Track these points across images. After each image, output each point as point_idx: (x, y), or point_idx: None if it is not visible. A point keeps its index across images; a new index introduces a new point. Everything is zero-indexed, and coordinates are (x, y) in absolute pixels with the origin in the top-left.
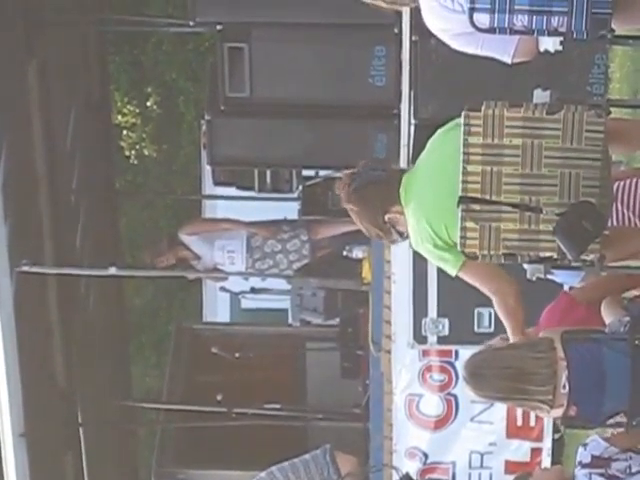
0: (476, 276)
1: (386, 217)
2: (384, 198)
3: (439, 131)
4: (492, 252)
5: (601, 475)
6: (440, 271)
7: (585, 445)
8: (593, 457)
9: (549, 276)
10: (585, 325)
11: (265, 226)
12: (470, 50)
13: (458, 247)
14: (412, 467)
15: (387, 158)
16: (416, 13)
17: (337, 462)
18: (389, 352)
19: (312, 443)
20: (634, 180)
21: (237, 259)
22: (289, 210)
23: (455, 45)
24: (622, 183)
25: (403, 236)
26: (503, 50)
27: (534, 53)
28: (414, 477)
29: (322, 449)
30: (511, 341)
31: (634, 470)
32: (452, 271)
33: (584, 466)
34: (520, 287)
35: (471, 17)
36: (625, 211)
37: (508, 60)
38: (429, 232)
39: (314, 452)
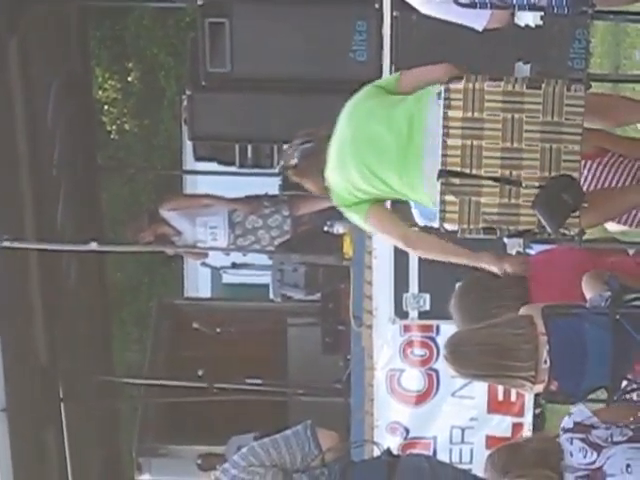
0: (380, 224)
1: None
2: (320, 167)
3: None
4: (472, 226)
5: (582, 440)
6: None
7: (570, 414)
8: (575, 423)
9: (528, 250)
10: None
11: (246, 202)
12: (439, 15)
13: (437, 221)
14: (393, 442)
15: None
16: None
17: (318, 437)
18: (370, 327)
19: (293, 418)
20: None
21: (219, 235)
22: (270, 185)
23: (424, 10)
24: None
25: None
26: (475, 17)
27: (506, 20)
28: (395, 452)
29: (303, 425)
30: (473, 263)
31: (615, 439)
32: (361, 222)
33: (566, 431)
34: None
35: None
36: None
37: (479, 28)
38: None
39: (295, 428)
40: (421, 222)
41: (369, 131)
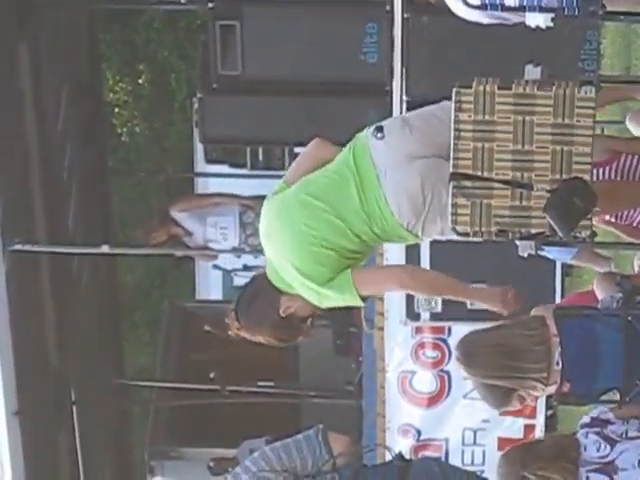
0: (368, 280)
1: (282, 314)
2: (268, 302)
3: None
4: (483, 228)
5: (597, 434)
6: (433, 248)
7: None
8: (592, 419)
9: (540, 252)
10: None
11: (257, 200)
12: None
13: (449, 224)
14: (405, 444)
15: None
16: None
17: (330, 442)
18: (382, 329)
19: (305, 420)
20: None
21: (230, 235)
22: None
23: (474, 17)
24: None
25: (307, 320)
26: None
27: None
28: (407, 456)
29: (315, 429)
30: (467, 299)
31: (630, 435)
32: (353, 292)
33: (582, 426)
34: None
35: None
36: None
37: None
38: (310, 282)
39: (307, 432)
40: None
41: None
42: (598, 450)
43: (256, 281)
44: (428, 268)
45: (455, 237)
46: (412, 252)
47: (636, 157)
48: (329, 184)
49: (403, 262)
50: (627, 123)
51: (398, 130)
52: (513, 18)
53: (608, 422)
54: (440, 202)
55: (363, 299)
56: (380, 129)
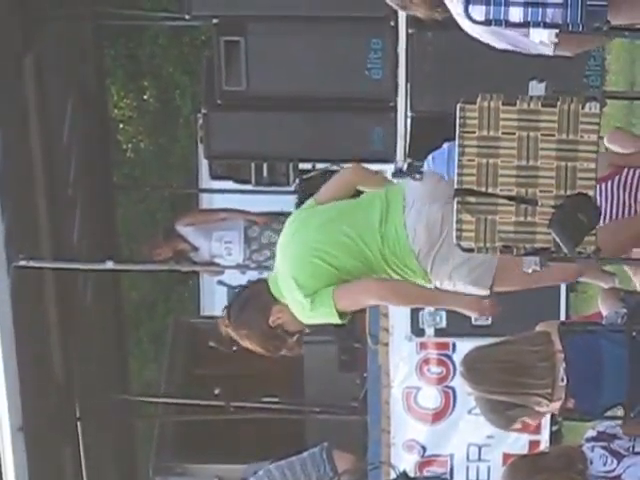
0: (345, 293)
1: (271, 322)
2: (260, 307)
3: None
4: (488, 244)
5: (604, 448)
6: None
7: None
8: (599, 432)
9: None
10: None
11: (262, 215)
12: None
13: (454, 240)
14: (410, 460)
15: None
16: None
17: (334, 459)
18: (387, 345)
19: (310, 436)
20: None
21: (234, 250)
22: (286, 203)
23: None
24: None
25: (294, 336)
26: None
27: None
28: (411, 473)
29: (319, 447)
30: (444, 306)
31: (637, 450)
32: (331, 308)
33: (589, 440)
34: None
35: (466, 9)
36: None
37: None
38: (299, 293)
39: (312, 450)
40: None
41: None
42: (605, 464)
43: (255, 285)
44: None
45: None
46: None
47: (638, 170)
48: (356, 206)
49: None
50: (606, 143)
51: (435, 177)
52: (530, 48)
53: (615, 437)
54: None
55: (342, 315)
56: (420, 172)
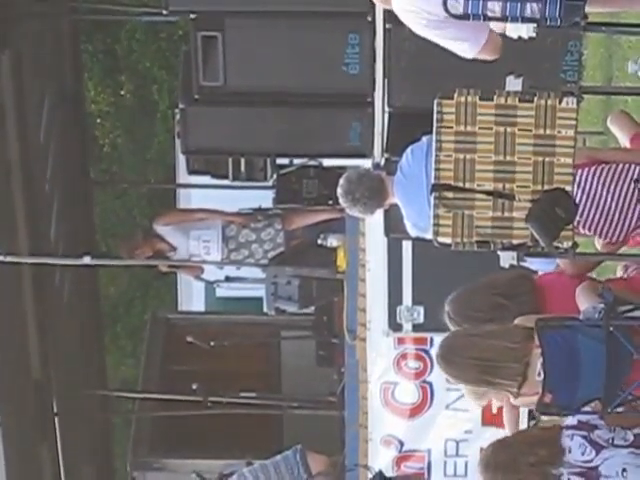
0: None
1: None
2: None
3: None
4: (465, 240)
5: (584, 437)
6: (415, 258)
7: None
8: (579, 421)
9: (523, 263)
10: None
11: (240, 215)
12: (436, 40)
13: (431, 235)
14: (388, 455)
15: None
16: None
17: (308, 461)
18: (364, 340)
19: (287, 431)
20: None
21: (212, 249)
22: (264, 198)
23: (422, 33)
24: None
25: None
26: (474, 38)
27: (498, 52)
28: (389, 469)
29: (293, 449)
30: None
31: (617, 443)
32: None
33: (569, 428)
34: None
35: (445, 3)
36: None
37: (470, 55)
38: None
39: (285, 453)
40: (413, 233)
41: None
42: (583, 454)
43: None
44: (410, 278)
45: None
46: (395, 264)
47: (614, 166)
48: None
49: (385, 271)
50: (609, 124)
51: None
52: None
53: (596, 427)
54: None
55: None
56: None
